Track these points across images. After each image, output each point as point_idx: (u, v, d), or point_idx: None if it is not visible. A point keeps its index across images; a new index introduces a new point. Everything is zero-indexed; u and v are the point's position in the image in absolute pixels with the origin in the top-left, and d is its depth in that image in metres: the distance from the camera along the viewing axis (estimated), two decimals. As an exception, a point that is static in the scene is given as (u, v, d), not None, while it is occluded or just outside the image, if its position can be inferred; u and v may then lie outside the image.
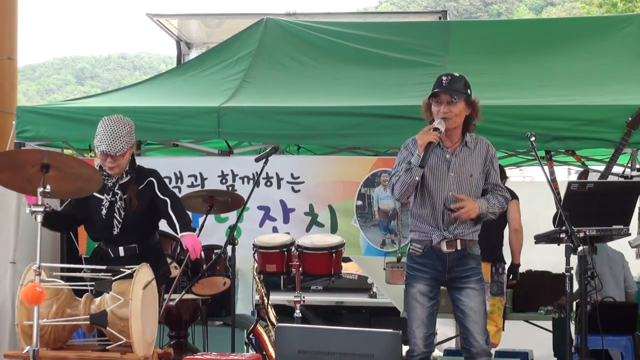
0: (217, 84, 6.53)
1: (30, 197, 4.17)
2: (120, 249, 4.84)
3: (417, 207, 4.64)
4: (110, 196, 4.81)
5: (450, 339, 6.76)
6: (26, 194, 4.28)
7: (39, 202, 3.95)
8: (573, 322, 4.72)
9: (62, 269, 4.60)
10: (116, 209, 4.81)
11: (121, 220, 4.80)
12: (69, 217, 4.90)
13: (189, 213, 5.84)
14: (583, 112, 5.62)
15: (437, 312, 4.63)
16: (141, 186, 4.87)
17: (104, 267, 4.35)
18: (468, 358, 4.56)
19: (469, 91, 4.57)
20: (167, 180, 6.10)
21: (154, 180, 4.90)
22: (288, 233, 5.79)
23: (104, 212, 4.81)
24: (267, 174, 5.98)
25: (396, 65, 6.60)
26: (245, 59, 6.77)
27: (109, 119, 4.75)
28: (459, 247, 4.54)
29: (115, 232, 4.81)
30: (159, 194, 4.88)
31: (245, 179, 6.08)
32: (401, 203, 5.83)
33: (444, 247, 4.53)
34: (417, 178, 4.49)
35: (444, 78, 4.57)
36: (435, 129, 4.45)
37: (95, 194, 4.72)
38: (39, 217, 3.96)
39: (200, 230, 5.36)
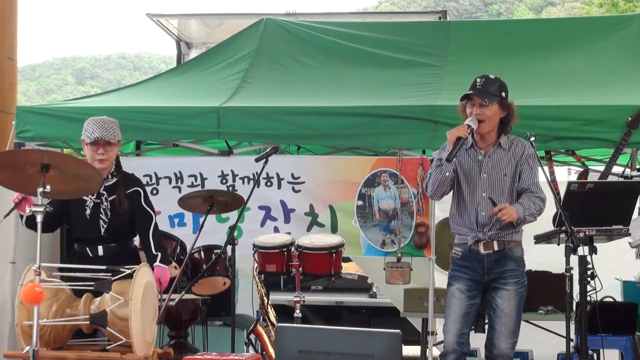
0: (217, 84, 6.53)
1: (22, 205, 4.27)
2: (100, 248, 4.80)
3: (454, 210, 4.70)
4: (94, 197, 4.78)
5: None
6: (26, 194, 4.28)
7: (40, 202, 3.96)
8: (573, 322, 4.71)
9: (62, 269, 4.60)
10: (102, 210, 4.77)
11: (107, 221, 4.78)
12: (54, 217, 4.85)
13: (189, 213, 5.89)
14: (583, 112, 5.62)
15: (475, 315, 4.66)
16: (128, 191, 4.84)
17: (104, 267, 4.35)
18: (488, 358, 4.57)
19: (503, 94, 4.57)
20: (167, 181, 6.13)
21: (141, 192, 4.88)
22: (289, 233, 5.79)
23: (87, 212, 4.78)
24: (267, 174, 5.98)
25: (396, 65, 6.59)
26: (245, 59, 6.76)
27: (94, 117, 4.81)
28: (496, 248, 4.57)
29: (102, 233, 4.78)
30: (145, 206, 4.85)
31: (246, 179, 6.08)
32: (401, 203, 5.86)
33: (482, 249, 4.57)
34: (447, 174, 4.52)
35: (479, 80, 4.58)
36: (468, 126, 4.47)
37: None
38: (39, 217, 3.97)
39: (200, 230, 5.36)
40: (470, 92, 4.57)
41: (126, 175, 4.92)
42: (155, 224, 4.88)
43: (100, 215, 4.78)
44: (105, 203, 4.78)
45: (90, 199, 4.79)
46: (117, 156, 4.88)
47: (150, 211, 4.86)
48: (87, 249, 4.82)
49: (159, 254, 4.76)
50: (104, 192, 4.79)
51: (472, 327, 4.84)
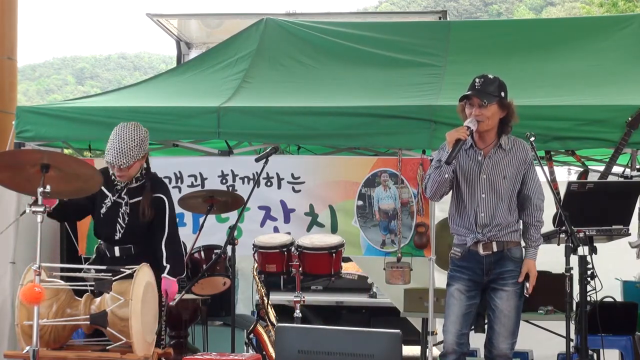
0: (217, 84, 6.53)
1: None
2: (116, 248, 4.82)
3: (454, 210, 4.69)
4: (116, 197, 4.80)
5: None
6: (26, 194, 4.28)
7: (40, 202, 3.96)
8: (573, 322, 4.72)
9: (62, 269, 4.60)
10: (120, 214, 4.79)
11: (124, 226, 4.79)
12: (79, 206, 4.85)
13: (189, 213, 5.88)
14: (583, 112, 5.62)
15: (474, 315, 4.66)
16: (153, 195, 4.82)
17: (104, 267, 4.35)
18: (487, 358, 4.58)
19: (502, 93, 4.55)
20: (167, 181, 6.11)
21: (166, 202, 4.83)
22: (289, 233, 5.79)
23: (103, 210, 4.80)
24: (267, 174, 5.98)
25: (396, 65, 6.59)
26: (245, 59, 6.76)
27: (123, 127, 4.72)
28: (495, 249, 4.57)
29: (117, 237, 4.79)
30: (166, 218, 4.80)
31: (246, 179, 6.08)
32: (401, 203, 5.86)
33: (481, 250, 4.57)
34: (446, 176, 4.51)
35: (477, 80, 4.57)
36: (467, 128, 4.47)
37: (103, 188, 4.72)
38: (39, 217, 3.97)
39: (200, 230, 5.36)
40: (469, 92, 4.56)
41: (155, 181, 4.88)
42: (170, 238, 4.79)
43: (118, 219, 4.78)
44: (124, 207, 4.78)
45: (111, 198, 4.79)
46: (146, 160, 4.84)
47: (168, 227, 4.79)
48: (107, 249, 4.85)
49: (168, 266, 4.72)
50: (125, 196, 4.79)
51: (471, 327, 4.84)
